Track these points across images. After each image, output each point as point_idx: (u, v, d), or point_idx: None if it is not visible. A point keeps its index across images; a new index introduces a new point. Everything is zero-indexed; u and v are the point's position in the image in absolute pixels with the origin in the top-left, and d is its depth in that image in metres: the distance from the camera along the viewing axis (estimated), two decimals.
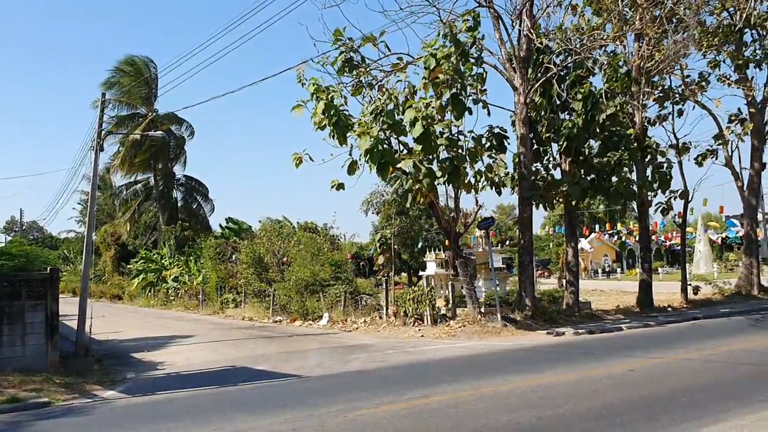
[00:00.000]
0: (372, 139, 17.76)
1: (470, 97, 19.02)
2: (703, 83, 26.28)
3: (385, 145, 18.42)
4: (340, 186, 19.64)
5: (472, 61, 18.80)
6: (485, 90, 19.74)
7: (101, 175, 44.53)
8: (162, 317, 32.61)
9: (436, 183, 19.51)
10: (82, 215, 76.98)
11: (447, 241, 25.11)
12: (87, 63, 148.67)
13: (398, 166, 18.59)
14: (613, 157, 21.45)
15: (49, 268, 15.18)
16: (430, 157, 19.21)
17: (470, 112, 18.99)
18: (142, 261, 47.08)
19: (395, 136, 19.32)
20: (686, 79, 26.00)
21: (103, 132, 20.45)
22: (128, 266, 49.58)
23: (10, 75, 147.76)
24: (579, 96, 21.06)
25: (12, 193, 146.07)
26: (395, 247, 36.61)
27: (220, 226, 51.58)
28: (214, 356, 17.01)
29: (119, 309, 40.81)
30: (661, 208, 26.01)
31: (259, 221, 45.68)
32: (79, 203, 77.49)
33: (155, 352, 18.40)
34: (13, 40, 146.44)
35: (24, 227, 67.63)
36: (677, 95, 25.96)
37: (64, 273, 49.68)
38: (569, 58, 21.64)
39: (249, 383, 12.66)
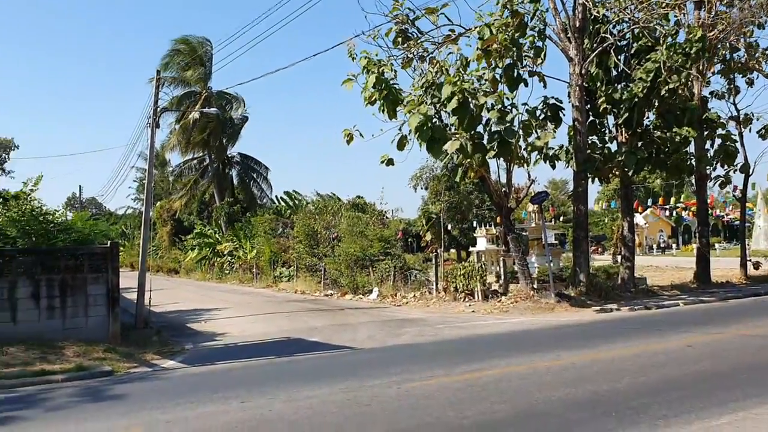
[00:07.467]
0: (421, 117, 17.60)
1: (525, 69, 18.68)
2: None
3: (434, 121, 18.27)
4: (390, 161, 19.58)
5: (533, 33, 18.42)
6: (542, 62, 19.34)
7: (157, 153, 45.55)
8: (217, 290, 33.37)
9: (487, 157, 19.30)
10: (139, 192, 78.99)
11: (498, 217, 24.90)
12: (144, 41, 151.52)
13: (444, 147, 18.29)
14: (678, 134, 20.72)
15: (109, 242, 15.64)
16: (480, 131, 18.99)
17: (525, 84, 18.68)
18: (197, 236, 48.17)
19: (445, 110, 19.14)
20: (751, 49, 24.85)
21: (158, 109, 20.86)
22: (184, 241, 50.77)
23: (70, 51, 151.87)
24: (644, 67, 20.36)
25: (73, 169, 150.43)
26: (444, 223, 36.46)
27: (272, 200, 52.39)
28: (268, 328, 17.34)
29: (176, 282, 41.93)
30: (719, 181, 25.27)
31: (317, 193, 46.48)
32: (135, 181, 79.63)
33: (212, 324, 18.87)
34: (74, 14, 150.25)
35: (83, 203, 69.69)
36: (740, 65, 24.91)
37: (122, 248, 51.16)
38: (627, 27, 21.03)
39: (303, 354, 12.88)
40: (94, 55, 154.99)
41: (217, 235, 46.97)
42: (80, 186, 70.55)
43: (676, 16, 21.77)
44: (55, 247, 14.71)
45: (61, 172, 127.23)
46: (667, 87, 20.23)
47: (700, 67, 22.99)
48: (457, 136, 18.35)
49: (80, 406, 8.89)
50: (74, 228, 15.89)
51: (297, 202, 46.95)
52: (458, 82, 17.68)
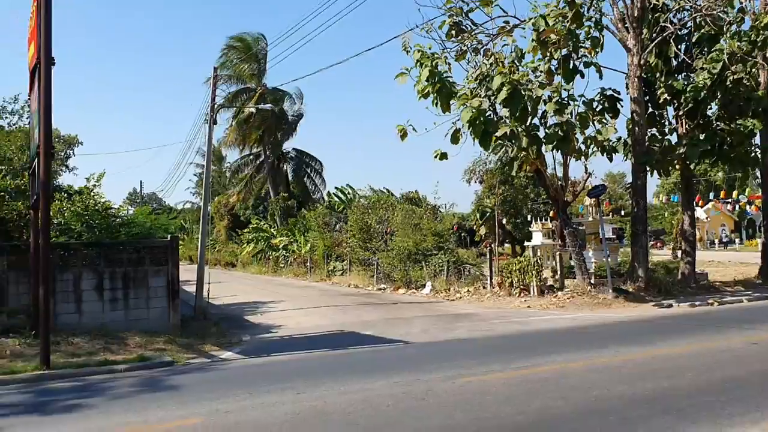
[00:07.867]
0: (473, 110, 17.44)
1: (581, 60, 18.30)
2: None
3: (488, 114, 18.09)
4: (443, 155, 19.47)
5: (590, 24, 18.05)
6: (599, 52, 18.94)
7: (214, 148, 46.45)
8: (273, 283, 33.87)
9: (543, 150, 19.02)
10: (197, 186, 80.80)
11: (553, 211, 24.52)
12: (203, 39, 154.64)
13: (495, 134, 18.10)
14: (743, 125, 19.95)
15: (169, 236, 16.07)
16: (536, 123, 18.71)
17: (582, 75, 18.31)
18: (253, 230, 49.01)
19: (498, 102, 18.92)
20: None
21: (215, 106, 21.30)
22: (240, 235, 51.70)
23: (135, 45, 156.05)
24: (710, 57, 19.68)
25: (135, 165, 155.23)
26: (499, 217, 36.09)
27: (324, 197, 52.90)
28: (323, 321, 17.53)
29: (233, 275, 42.72)
30: None
31: (371, 188, 46.81)
32: (195, 175, 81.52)
33: (268, 316, 19.18)
34: (138, 15, 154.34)
35: (144, 198, 71.70)
36: None
37: (181, 241, 52.43)
38: (688, 16, 20.39)
39: (357, 347, 12.97)
40: (158, 53, 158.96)
41: (272, 230, 47.72)
42: (141, 181, 73.14)
43: (741, 3, 20.99)
44: (117, 241, 15.20)
45: (123, 168, 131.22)
46: (732, 77, 19.54)
47: (767, 55, 22.11)
48: (507, 124, 18.13)
49: (142, 395, 9.15)
50: (136, 222, 16.43)
51: (350, 196, 47.32)
52: (508, 73, 17.46)
